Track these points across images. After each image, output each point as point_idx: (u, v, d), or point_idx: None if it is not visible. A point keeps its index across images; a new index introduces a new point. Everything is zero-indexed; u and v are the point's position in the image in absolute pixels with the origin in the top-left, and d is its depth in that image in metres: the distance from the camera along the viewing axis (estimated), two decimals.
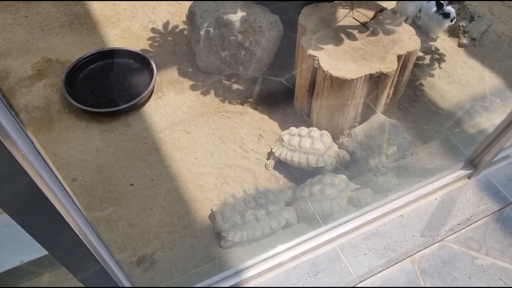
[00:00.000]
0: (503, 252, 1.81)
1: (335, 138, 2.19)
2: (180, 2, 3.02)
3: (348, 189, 1.89)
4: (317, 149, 1.99)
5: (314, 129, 2.09)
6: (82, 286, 1.06)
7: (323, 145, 2.00)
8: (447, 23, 2.65)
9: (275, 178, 2.09)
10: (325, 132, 2.08)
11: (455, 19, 2.65)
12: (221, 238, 1.82)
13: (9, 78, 2.45)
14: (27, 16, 2.85)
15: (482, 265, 1.77)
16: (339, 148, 2.09)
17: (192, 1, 2.46)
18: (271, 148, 2.11)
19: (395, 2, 2.94)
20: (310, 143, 2.01)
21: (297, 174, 2.09)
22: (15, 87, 2.40)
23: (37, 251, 1.56)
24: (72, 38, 2.72)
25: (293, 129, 2.11)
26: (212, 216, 1.85)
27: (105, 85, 2.43)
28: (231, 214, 1.79)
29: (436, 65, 2.67)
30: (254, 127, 2.28)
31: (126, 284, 1.24)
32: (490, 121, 2.37)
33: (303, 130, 2.08)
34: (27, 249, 1.55)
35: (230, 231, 1.78)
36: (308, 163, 2.00)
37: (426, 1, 2.76)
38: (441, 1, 2.63)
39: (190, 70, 2.56)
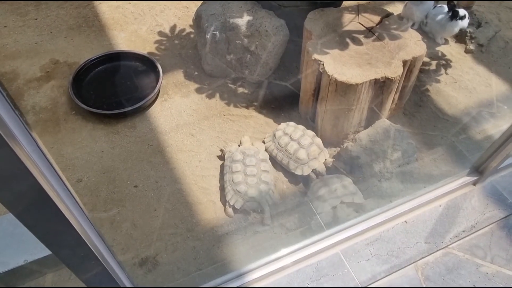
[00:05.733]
0: (509, 260, 1.79)
1: (339, 143, 2.19)
2: (187, 6, 3.05)
3: (352, 198, 1.89)
4: (299, 159, 2.02)
5: (308, 134, 2.09)
6: (85, 286, 1.06)
7: (306, 156, 2.01)
8: (457, 27, 2.64)
9: (280, 182, 2.09)
10: (316, 140, 2.09)
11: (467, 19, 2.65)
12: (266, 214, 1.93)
13: (17, 79, 2.48)
14: (36, 19, 2.89)
15: (487, 273, 1.75)
16: (343, 152, 2.09)
17: (199, 5, 2.48)
18: (264, 139, 2.17)
19: (402, 7, 2.93)
20: (295, 150, 2.02)
21: (301, 178, 2.08)
22: (23, 88, 2.44)
23: (41, 250, 1.57)
24: (80, 41, 2.75)
25: (289, 127, 2.13)
26: (242, 211, 1.94)
27: (111, 87, 2.46)
28: (256, 193, 1.91)
29: (443, 71, 2.65)
30: (258, 131, 2.29)
31: (128, 285, 1.25)
32: (497, 127, 2.35)
33: (297, 132, 2.09)
34: (31, 248, 1.57)
35: (265, 208, 1.91)
36: (288, 167, 2.05)
37: (433, 7, 2.76)
38: (456, 9, 2.62)
39: (196, 73, 2.58)
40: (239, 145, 2.13)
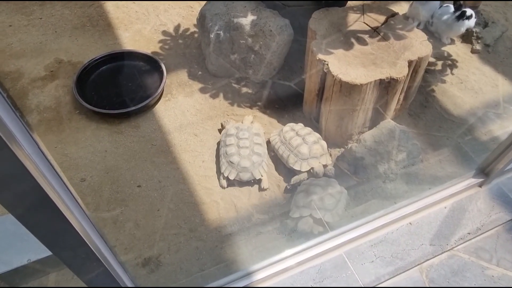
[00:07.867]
0: None
1: (343, 144, 2.17)
2: (191, 5, 3.04)
3: (323, 215, 1.85)
4: (300, 153, 2.01)
5: (314, 135, 2.10)
6: (87, 287, 1.06)
7: (308, 152, 2.02)
8: (463, 27, 2.61)
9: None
10: (322, 142, 2.09)
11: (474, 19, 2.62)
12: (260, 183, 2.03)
13: (22, 78, 2.49)
14: (41, 18, 2.90)
15: (492, 276, 1.73)
16: (347, 153, 2.07)
17: (203, 5, 2.48)
18: (270, 135, 2.19)
19: (407, 7, 2.91)
20: (298, 144, 2.03)
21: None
22: (27, 87, 2.44)
23: (45, 250, 1.55)
24: (85, 40, 2.76)
25: (298, 125, 2.16)
26: (237, 182, 2.03)
27: (115, 87, 2.46)
28: (249, 164, 1.99)
29: (448, 71, 2.63)
30: None
31: (130, 286, 1.24)
32: (503, 128, 2.32)
33: (305, 130, 2.11)
34: (35, 248, 1.57)
35: (258, 177, 2.00)
36: (287, 161, 2.04)
37: (439, 7, 2.73)
38: (463, 9, 2.59)
39: (200, 73, 2.57)
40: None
